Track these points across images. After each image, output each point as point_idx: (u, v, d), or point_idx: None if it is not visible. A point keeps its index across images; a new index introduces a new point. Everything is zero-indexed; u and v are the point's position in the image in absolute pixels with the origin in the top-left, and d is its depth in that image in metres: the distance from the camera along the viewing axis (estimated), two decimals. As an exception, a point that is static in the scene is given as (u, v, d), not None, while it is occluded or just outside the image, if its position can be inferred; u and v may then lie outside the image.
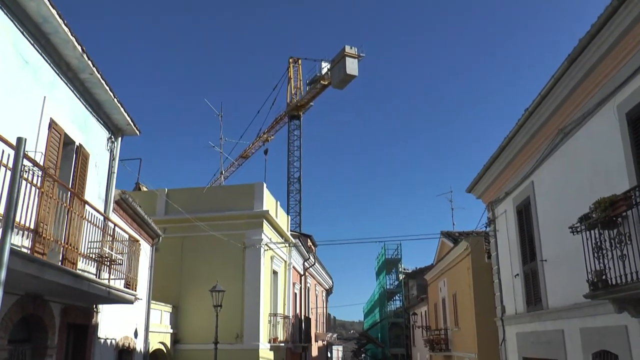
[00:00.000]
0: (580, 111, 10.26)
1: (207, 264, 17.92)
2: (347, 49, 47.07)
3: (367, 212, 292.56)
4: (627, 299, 8.07)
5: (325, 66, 49.64)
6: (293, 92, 51.54)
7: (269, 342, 18.52)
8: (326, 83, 49.39)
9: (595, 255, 8.37)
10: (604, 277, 8.32)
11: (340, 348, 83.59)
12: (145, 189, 19.86)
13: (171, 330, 17.17)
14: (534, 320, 12.84)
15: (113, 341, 11.96)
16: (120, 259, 9.44)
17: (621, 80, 8.80)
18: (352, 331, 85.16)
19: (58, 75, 8.88)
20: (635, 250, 7.66)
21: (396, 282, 46.55)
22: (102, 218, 9.23)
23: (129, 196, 11.77)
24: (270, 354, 18.64)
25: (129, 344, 12.85)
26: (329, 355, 44.10)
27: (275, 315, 19.51)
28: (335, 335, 50.45)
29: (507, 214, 14.81)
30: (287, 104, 51.14)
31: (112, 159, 11.20)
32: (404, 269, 48.29)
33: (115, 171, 11.18)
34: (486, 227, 16.95)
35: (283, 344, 20.02)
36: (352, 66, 46.89)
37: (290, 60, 52.36)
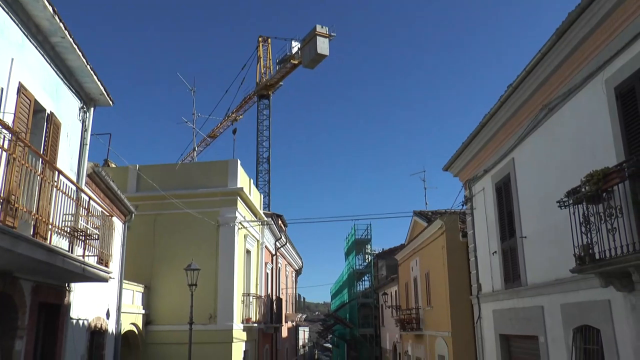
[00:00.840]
0: (566, 86, 10.22)
1: (180, 242, 17.52)
2: (318, 28, 46.51)
3: (337, 193, 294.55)
4: (613, 272, 8.10)
5: (296, 45, 49.02)
6: (262, 71, 50.80)
7: (242, 322, 18.29)
8: (296, 62, 48.82)
9: (583, 229, 8.34)
10: (590, 251, 8.32)
11: (307, 329, 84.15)
12: (114, 166, 19.22)
13: (143, 311, 16.77)
14: (512, 297, 12.91)
15: (85, 322, 11.54)
16: (96, 234, 9.00)
17: (610, 54, 8.75)
18: (317, 313, 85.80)
19: (27, 37, 8.32)
20: (626, 223, 7.67)
21: (365, 263, 46.78)
22: (75, 189, 8.76)
23: (102, 170, 11.28)
24: (244, 335, 18.43)
25: (101, 325, 12.44)
26: (297, 334, 44.27)
27: (248, 295, 19.28)
28: (304, 316, 50.63)
29: (486, 191, 14.83)
30: (257, 84, 50.40)
31: (84, 129, 10.68)
32: (372, 251, 48.57)
33: (88, 143, 10.67)
34: (462, 206, 16.96)
35: (256, 325, 19.82)
36: (323, 45, 46.39)
37: (260, 39, 51.50)
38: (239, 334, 17.66)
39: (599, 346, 9.20)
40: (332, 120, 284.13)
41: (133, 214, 13.96)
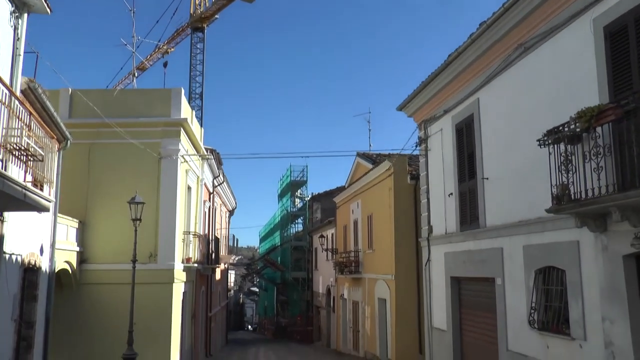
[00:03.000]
0: (548, 25, 10.06)
1: (117, 175, 16.58)
2: (258, -45, 44.36)
3: (273, 133, 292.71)
4: (590, 213, 8.21)
5: (234, -26, 46.59)
6: (197, 2, 48.23)
7: (182, 262, 17.80)
8: (234, -7, 46.50)
9: (564, 169, 8.37)
10: (567, 191, 8.39)
11: (232, 273, 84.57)
12: (40, 91, 17.63)
13: (77, 248, 15.89)
14: (467, 239, 13.13)
15: (19, 257, 10.64)
16: (41, 154, 8.11)
17: (601, -9, 8.59)
18: (240, 256, 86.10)
19: None
20: (609, 163, 7.71)
21: (300, 204, 46.86)
22: (11, 99, 7.77)
23: (38, 86, 10.17)
24: (183, 275, 17.97)
25: (35, 261, 11.56)
26: (228, 277, 44.21)
27: (188, 233, 18.75)
28: (238, 258, 50.51)
29: (444, 132, 14.80)
30: (191, 15, 47.86)
31: (16, 38, 9.51)
32: (302, 194, 48.61)
33: (22, 54, 9.53)
34: (416, 147, 16.94)
35: (196, 265, 19.39)
36: (262, -25, 44.36)
37: (195, -36, 48.60)
38: (179, 274, 17.20)
39: (562, 287, 9.48)
40: (270, 57, 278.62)
41: (69, 141, 12.89)
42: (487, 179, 12.19)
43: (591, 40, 8.78)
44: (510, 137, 11.33)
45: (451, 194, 14.12)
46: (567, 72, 9.46)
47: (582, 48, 9.05)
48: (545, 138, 8.77)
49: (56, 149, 10.90)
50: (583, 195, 8.01)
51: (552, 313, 9.73)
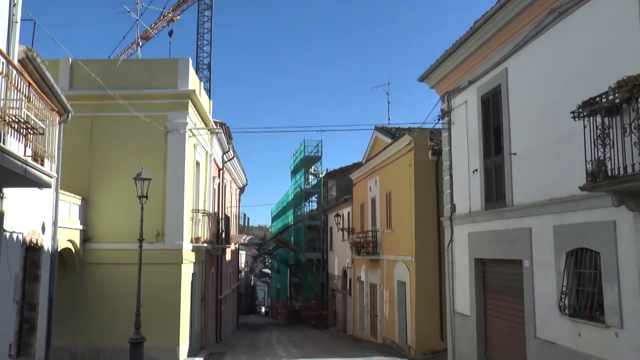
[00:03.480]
0: (585, -14, 9.79)
1: (122, 150, 16.64)
2: None
3: (287, 107, 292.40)
4: (629, 190, 8.05)
5: None
6: (204, -36, 47.79)
7: (191, 242, 17.90)
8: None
9: (600, 143, 8.18)
10: (603, 167, 8.22)
11: (243, 253, 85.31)
12: (39, 60, 17.64)
13: (81, 227, 16.04)
14: (493, 218, 13.04)
15: (20, 236, 10.74)
16: (41, 127, 8.10)
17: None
18: (251, 236, 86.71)
19: None
20: (653, 137, 7.52)
21: (314, 181, 46.85)
22: (8, 68, 7.75)
23: (36, 55, 10.15)
24: (192, 256, 18.10)
25: (37, 240, 11.67)
26: (239, 258, 44.55)
27: (197, 211, 18.83)
28: (249, 238, 50.83)
29: (469, 104, 14.65)
30: (197, -21, 47.53)
31: (12, 4, 9.45)
32: (316, 171, 48.55)
33: (19, 21, 9.49)
34: (438, 120, 16.80)
35: (205, 245, 19.50)
36: None
37: None
38: (188, 254, 17.32)
39: (597, 270, 9.37)
40: (283, 27, 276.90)
41: (70, 114, 12.91)
42: (515, 154, 12.06)
43: (634, 3, 8.54)
44: (541, 109, 11.15)
45: (476, 170, 14.01)
46: (606, 39, 9.23)
47: (622, 11, 8.81)
48: (580, 110, 8.58)
49: (57, 122, 10.90)
50: (621, 172, 7.84)
51: (585, 298, 9.65)
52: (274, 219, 71.51)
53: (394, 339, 22.23)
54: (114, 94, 15.84)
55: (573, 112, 8.76)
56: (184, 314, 17.04)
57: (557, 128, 10.47)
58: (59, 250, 13.77)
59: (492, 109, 13.25)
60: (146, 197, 14.61)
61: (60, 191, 13.46)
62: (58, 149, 12.40)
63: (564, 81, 10.41)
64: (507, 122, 12.52)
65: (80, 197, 15.98)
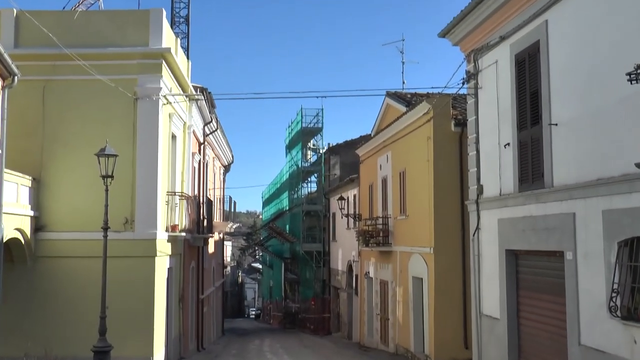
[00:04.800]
0: None
1: (81, 121, 16.54)
2: None
3: (280, 73, 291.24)
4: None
5: None
6: None
7: (167, 230, 17.88)
8: None
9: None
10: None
11: (229, 245, 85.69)
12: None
13: (32, 213, 15.99)
14: (528, 202, 13.03)
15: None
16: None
17: None
18: (238, 224, 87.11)
19: None
20: None
21: (314, 158, 46.78)
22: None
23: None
24: (168, 247, 18.06)
25: (-21, 227, 11.65)
26: (224, 250, 44.63)
27: (174, 194, 18.82)
28: (236, 226, 50.90)
29: (500, 65, 14.62)
30: None
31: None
32: (316, 146, 48.44)
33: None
34: (463, 84, 16.74)
35: (183, 234, 19.46)
36: None
37: None
38: (163, 245, 17.30)
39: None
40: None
41: (16, 77, 12.86)
42: (556, 124, 12.02)
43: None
44: (588, 71, 11.07)
45: (508, 144, 13.98)
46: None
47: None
48: (638, 71, 8.50)
49: None
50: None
51: (641, 297, 9.64)
52: (266, 203, 71.50)
53: (409, 347, 22.30)
54: (70, 53, 15.71)
55: (629, 74, 8.70)
56: (158, 317, 17.06)
57: (609, 93, 10.40)
58: (4, 240, 13.77)
59: (529, 70, 13.17)
60: (112, 177, 14.53)
61: (5, 170, 13.47)
62: (1, 119, 12.35)
63: (618, 36, 10.29)
64: (546, 86, 12.44)
65: (30, 178, 15.96)
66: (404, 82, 31.43)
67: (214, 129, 27.15)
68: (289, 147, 51.24)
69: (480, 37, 15.59)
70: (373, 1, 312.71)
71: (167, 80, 17.60)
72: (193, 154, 23.01)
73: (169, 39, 17.97)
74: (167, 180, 18.47)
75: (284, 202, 52.33)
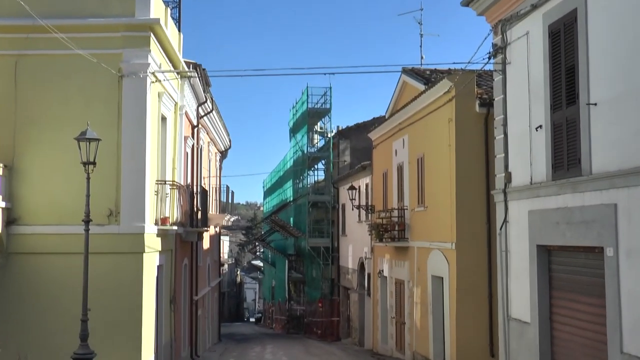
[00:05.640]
0: None
1: (59, 101, 16.54)
2: None
3: (283, 49, 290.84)
4: None
5: None
6: None
7: (156, 223, 17.88)
8: None
9: None
10: None
11: (226, 239, 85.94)
12: None
13: (3, 204, 16.02)
14: (563, 191, 13.01)
15: None
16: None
17: None
18: (237, 217, 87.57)
19: None
20: None
21: (321, 142, 46.73)
22: None
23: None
24: (157, 242, 18.07)
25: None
26: (220, 246, 44.70)
27: (164, 183, 18.83)
28: (233, 219, 50.95)
29: (531, 37, 14.61)
30: None
31: None
32: (323, 129, 48.38)
33: None
34: (489, 59, 16.70)
35: (175, 228, 19.46)
36: None
37: None
38: (152, 240, 17.32)
39: None
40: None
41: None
42: (595, 104, 11.99)
43: None
44: (632, 44, 11.02)
45: (540, 126, 13.95)
46: None
47: None
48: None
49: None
50: None
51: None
52: (267, 193, 71.74)
53: (427, 355, 22.35)
54: (46, 24, 15.66)
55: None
56: (147, 321, 17.07)
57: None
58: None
59: (564, 43, 13.11)
60: (94, 163, 14.53)
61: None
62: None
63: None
64: (584, 61, 12.38)
65: (1, 165, 15.99)
66: (422, 57, 31.38)
67: (209, 110, 27.15)
68: (294, 131, 51.25)
69: (508, 6, 15.53)
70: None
71: (155, 55, 17.55)
72: (185, 138, 23.00)
73: (157, 8, 17.92)
74: (157, 167, 18.47)
75: (288, 192, 52.41)
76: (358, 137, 38.09)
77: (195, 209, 23.08)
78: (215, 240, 37.41)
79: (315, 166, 48.16)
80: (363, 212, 31.88)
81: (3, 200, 16.14)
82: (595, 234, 11.89)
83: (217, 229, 37.46)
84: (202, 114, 26.46)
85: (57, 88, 16.68)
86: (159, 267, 18.73)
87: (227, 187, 35.29)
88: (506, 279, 15.65)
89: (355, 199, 32.65)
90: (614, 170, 11.35)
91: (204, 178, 29.00)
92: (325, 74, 19.26)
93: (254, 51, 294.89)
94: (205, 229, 26.23)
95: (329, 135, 45.01)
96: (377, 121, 32.17)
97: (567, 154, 12.89)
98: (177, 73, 20.34)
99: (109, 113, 16.56)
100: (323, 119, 47.02)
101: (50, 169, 16.53)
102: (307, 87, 45.10)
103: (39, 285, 16.38)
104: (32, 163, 16.55)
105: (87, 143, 14.36)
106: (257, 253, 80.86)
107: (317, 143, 48.56)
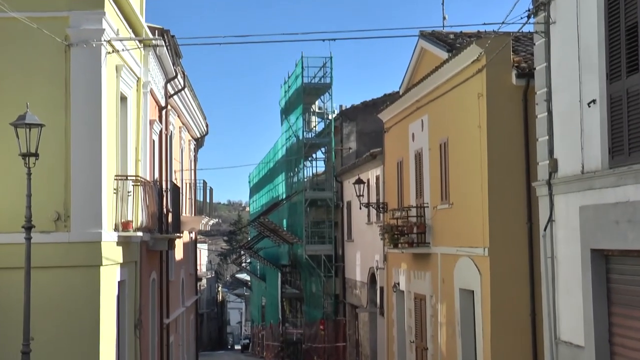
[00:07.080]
0: None
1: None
2: None
3: (268, 12, 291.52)
4: None
5: None
6: None
7: (116, 229, 17.79)
8: None
9: None
10: None
11: (204, 248, 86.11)
12: None
13: None
14: (624, 182, 12.94)
15: None
16: None
17: None
18: (217, 219, 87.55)
19: None
20: None
21: (321, 125, 46.76)
22: None
23: None
24: (118, 252, 17.98)
25: None
26: (197, 256, 44.69)
27: (125, 178, 18.78)
28: (213, 222, 50.90)
29: (581, -10, 14.47)
30: None
31: None
32: (320, 109, 48.36)
33: None
34: (528, 18, 16.67)
35: (140, 234, 19.38)
36: None
37: None
38: (111, 250, 17.22)
39: None
40: None
41: None
42: (664, 72, 11.90)
43: None
44: None
45: (594, 101, 13.89)
46: None
47: None
48: None
49: None
50: None
51: None
52: (254, 190, 71.97)
53: (456, 386, 22.33)
54: None
55: None
56: (105, 351, 16.98)
57: None
58: None
59: (622, -4, 13.05)
60: (36, 155, 14.43)
61: None
62: None
63: None
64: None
65: None
66: (444, 18, 30.71)
67: (180, 87, 27.10)
68: (286, 112, 51.24)
69: (553, -51, 15.52)
70: None
71: (112, 19, 17.47)
72: (151, 122, 22.91)
73: (113, -38, 17.86)
74: (115, 159, 18.43)
75: (280, 188, 52.53)
76: (366, 118, 38.19)
77: (164, 210, 23.10)
78: (191, 249, 37.42)
79: (314, 155, 48.20)
80: (373, 212, 31.97)
81: None
82: (665, 235, 11.87)
83: (193, 235, 37.53)
84: (172, 92, 26.42)
85: (-11, 62, 16.65)
86: (120, 283, 18.67)
87: (205, 183, 35.17)
88: (553, 292, 15.66)
89: (363, 195, 32.62)
90: (688, 155, 11.34)
91: (175, 172, 28.95)
92: (324, 40, 19.08)
93: (235, 21, 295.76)
94: (178, 235, 26.30)
95: (330, 117, 44.94)
96: (389, 98, 32.20)
97: (628, 135, 12.82)
98: (140, 41, 20.27)
99: (54, 92, 16.45)
100: (322, 97, 46.98)
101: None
102: (301, 56, 44.84)
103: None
104: (-44, 156, 16.54)
105: (27, 130, 14.19)
106: (243, 264, 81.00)
107: (315, 127, 48.55)
